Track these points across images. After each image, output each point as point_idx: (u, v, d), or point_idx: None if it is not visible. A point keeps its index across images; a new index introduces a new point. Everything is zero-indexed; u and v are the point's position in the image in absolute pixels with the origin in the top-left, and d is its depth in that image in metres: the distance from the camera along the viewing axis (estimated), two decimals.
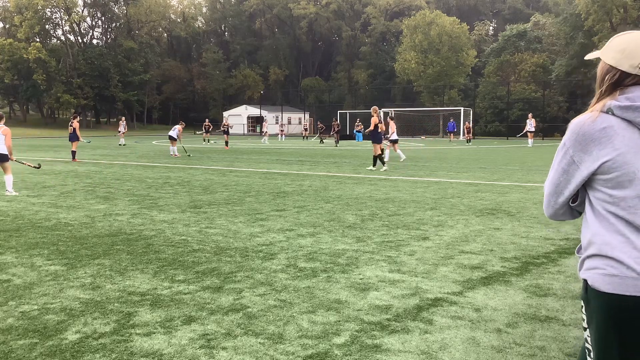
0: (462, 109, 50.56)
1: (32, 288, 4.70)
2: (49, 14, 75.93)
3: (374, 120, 16.47)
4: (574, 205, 1.89)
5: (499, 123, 58.42)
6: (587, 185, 1.83)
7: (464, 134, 45.35)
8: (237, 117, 70.33)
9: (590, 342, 1.83)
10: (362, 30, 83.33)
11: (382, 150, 20.64)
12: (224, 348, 3.47)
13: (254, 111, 72.35)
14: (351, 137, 45.46)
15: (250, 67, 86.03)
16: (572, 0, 56.80)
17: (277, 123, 57.40)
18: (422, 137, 55.17)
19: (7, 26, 76.95)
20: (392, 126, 20.56)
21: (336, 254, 5.88)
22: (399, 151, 20.59)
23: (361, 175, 14.78)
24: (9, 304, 4.29)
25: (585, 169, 1.78)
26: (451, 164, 19.37)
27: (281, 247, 6.20)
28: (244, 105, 74.24)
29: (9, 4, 74.28)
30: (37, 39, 73.64)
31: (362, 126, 46.20)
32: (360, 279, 4.97)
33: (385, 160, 19.82)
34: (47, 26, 76.48)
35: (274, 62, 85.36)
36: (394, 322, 3.90)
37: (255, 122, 72.68)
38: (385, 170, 16.23)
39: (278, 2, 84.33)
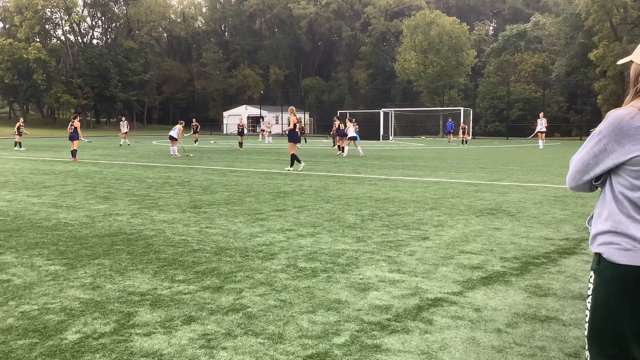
0: (462, 109, 50.53)
1: (32, 288, 4.70)
2: (49, 14, 75.93)
3: (292, 119, 16.60)
4: (597, 184, 2.12)
5: (499, 123, 58.45)
6: (611, 169, 2.05)
7: (457, 134, 45.12)
8: (237, 117, 70.29)
9: (589, 309, 2.08)
10: (362, 30, 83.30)
11: (342, 148, 24.50)
12: (224, 348, 3.47)
13: (254, 111, 72.39)
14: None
15: (250, 67, 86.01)
16: (572, 0, 56.76)
17: (274, 122, 56.79)
18: (422, 137, 55.19)
19: (7, 26, 76.92)
20: (349, 125, 24.13)
21: (336, 254, 5.88)
22: (353, 147, 24.13)
23: (361, 175, 14.79)
24: (9, 304, 4.29)
25: (615, 158, 1.99)
26: (451, 164, 19.37)
27: (281, 247, 6.20)
28: (244, 105, 74.28)
29: (9, 4, 74.25)
30: (37, 39, 73.66)
31: (358, 126, 46.10)
32: (360, 279, 4.97)
33: (344, 155, 22.87)
34: (47, 26, 76.46)
35: (274, 62, 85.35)
36: (394, 322, 3.90)
37: (256, 122, 72.69)
38: (303, 168, 16.32)
39: (278, 2, 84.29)
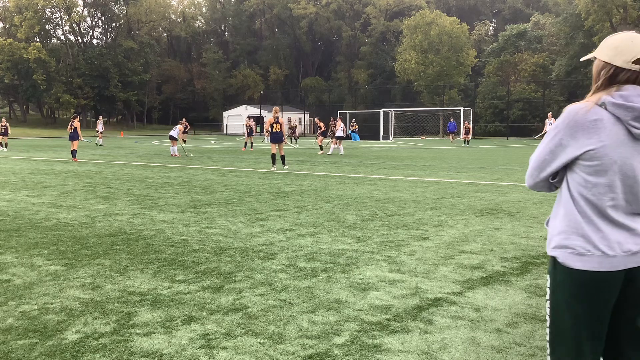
0: (462, 109, 50.47)
1: (32, 288, 4.70)
2: (49, 14, 76.02)
3: (269, 120, 16.82)
4: (554, 181, 2.09)
5: (499, 123, 58.42)
6: (567, 166, 2.03)
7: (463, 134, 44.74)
8: (237, 117, 70.35)
9: (549, 314, 2.07)
10: (362, 30, 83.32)
11: (321, 147, 26.30)
12: (224, 348, 3.47)
13: (254, 111, 72.33)
14: (348, 137, 45.61)
15: (250, 67, 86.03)
16: (572, 0, 56.79)
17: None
18: (422, 137, 55.18)
19: (7, 26, 76.97)
20: (339, 124, 25.34)
21: (336, 254, 5.88)
22: (340, 147, 25.21)
23: (361, 175, 14.79)
24: (9, 304, 4.29)
25: (570, 152, 1.97)
26: (451, 164, 19.37)
27: (281, 247, 6.20)
28: (244, 105, 74.25)
29: (9, 4, 74.31)
30: (37, 39, 73.70)
31: (357, 126, 46.19)
32: (360, 279, 4.97)
33: (329, 153, 24.36)
34: (47, 26, 76.54)
35: (274, 62, 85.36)
36: (394, 322, 3.90)
37: (255, 122, 72.63)
38: (272, 169, 16.42)
39: (278, 2, 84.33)
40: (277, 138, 16.74)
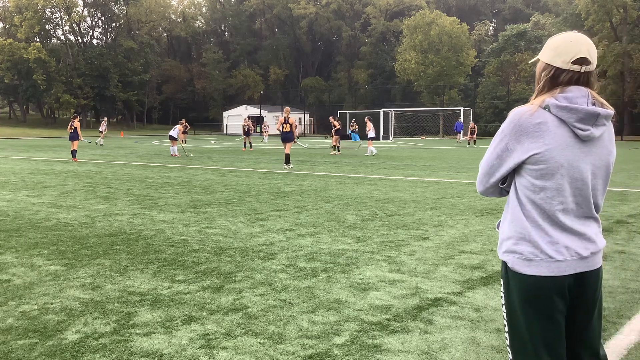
0: (462, 109, 50.51)
1: (32, 288, 4.70)
2: (49, 14, 75.99)
3: (280, 120, 17.35)
4: (503, 186, 2.07)
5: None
6: (515, 171, 2.00)
7: (465, 135, 44.45)
8: (237, 117, 70.33)
9: (506, 318, 2.06)
10: (362, 30, 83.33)
11: (334, 147, 26.45)
12: (224, 348, 3.47)
13: (254, 111, 72.36)
14: (348, 137, 45.53)
15: (250, 67, 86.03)
16: (572, 0, 56.79)
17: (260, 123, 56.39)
18: (422, 137, 55.17)
19: (7, 26, 76.95)
20: (369, 125, 25.36)
21: (336, 254, 5.88)
22: (371, 147, 24.85)
23: (361, 175, 14.79)
24: (9, 304, 4.29)
25: (516, 157, 1.95)
26: (451, 164, 19.38)
27: (281, 247, 6.20)
28: (244, 105, 74.24)
29: (9, 4, 74.29)
30: (37, 39, 73.68)
31: (357, 126, 46.18)
32: (360, 279, 4.97)
33: (367, 154, 24.31)
34: (47, 26, 76.51)
35: (274, 62, 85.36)
36: (394, 322, 3.90)
37: (256, 122, 72.64)
38: (291, 168, 16.81)
39: (278, 2, 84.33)
40: (285, 137, 17.28)
